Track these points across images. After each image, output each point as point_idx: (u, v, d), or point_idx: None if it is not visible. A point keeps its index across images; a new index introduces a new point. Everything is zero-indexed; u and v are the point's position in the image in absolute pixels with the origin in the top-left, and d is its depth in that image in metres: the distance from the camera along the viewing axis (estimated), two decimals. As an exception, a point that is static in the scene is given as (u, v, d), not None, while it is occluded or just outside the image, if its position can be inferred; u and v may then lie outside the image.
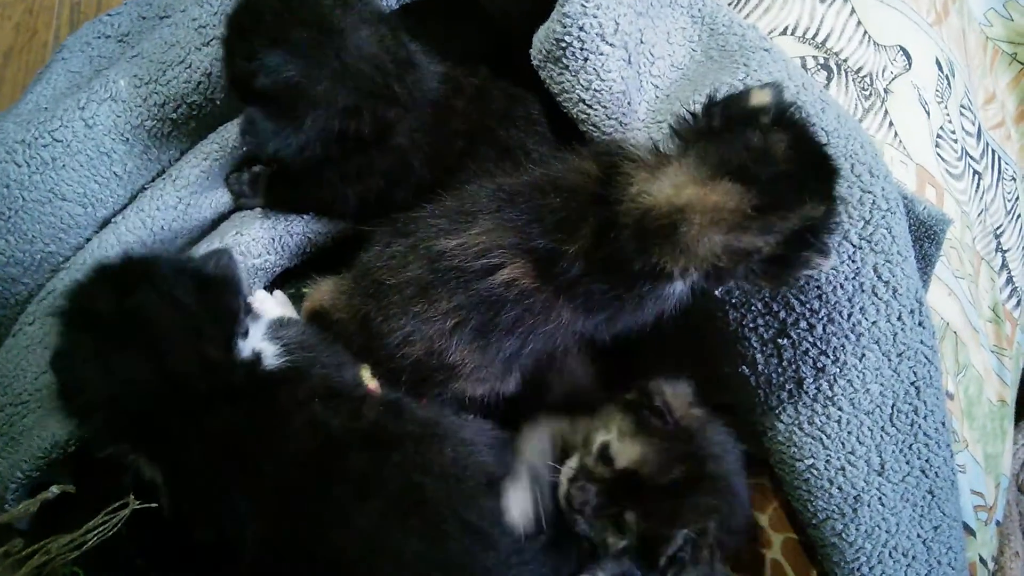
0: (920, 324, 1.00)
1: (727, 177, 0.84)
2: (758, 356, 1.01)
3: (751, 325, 1.01)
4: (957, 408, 1.23)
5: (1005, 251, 1.44)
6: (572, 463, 0.97)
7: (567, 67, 1.04)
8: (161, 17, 1.36)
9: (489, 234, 0.96)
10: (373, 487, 0.90)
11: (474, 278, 0.95)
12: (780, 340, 1.00)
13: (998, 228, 1.45)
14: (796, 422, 1.00)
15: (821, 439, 1.00)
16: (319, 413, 0.94)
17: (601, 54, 1.02)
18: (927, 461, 1.01)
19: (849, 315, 0.98)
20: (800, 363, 1.00)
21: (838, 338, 0.98)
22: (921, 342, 1.00)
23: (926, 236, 1.08)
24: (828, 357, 0.99)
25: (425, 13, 1.10)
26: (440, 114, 1.11)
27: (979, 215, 1.39)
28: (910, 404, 1.00)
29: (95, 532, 0.97)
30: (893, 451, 1.00)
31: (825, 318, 0.98)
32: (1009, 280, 1.45)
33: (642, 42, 1.08)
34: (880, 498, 1.00)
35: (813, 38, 1.26)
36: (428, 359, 0.99)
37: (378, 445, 0.93)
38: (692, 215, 0.85)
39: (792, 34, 1.26)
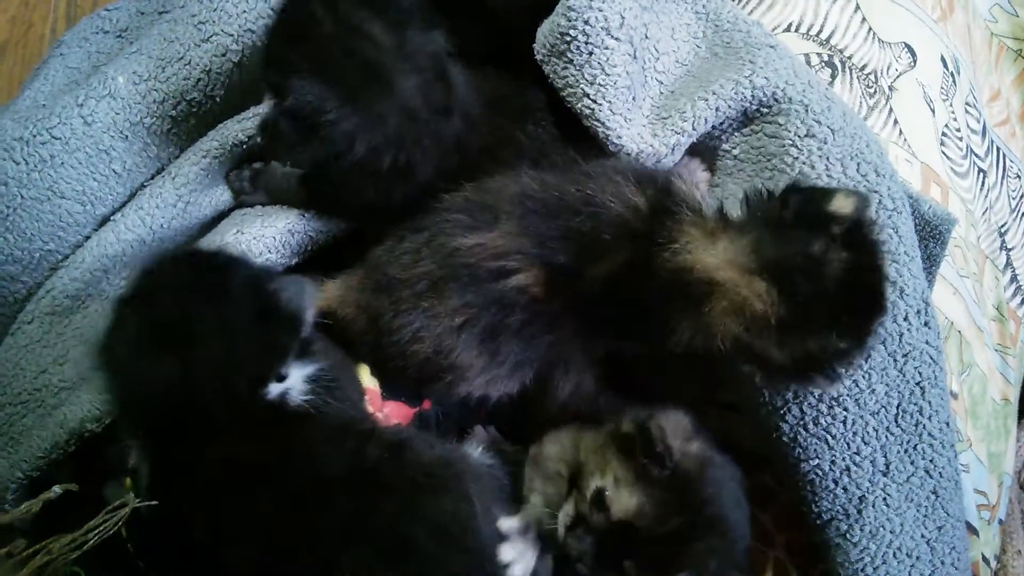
0: (926, 324, 1.00)
1: (767, 276, 0.83)
2: None
3: None
4: (961, 407, 1.23)
5: (1009, 249, 1.44)
6: (568, 509, 0.95)
7: (571, 61, 1.02)
8: (160, 12, 1.35)
9: (509, 238, 0.95)
10: (361, 532, 0.88)
11: (488, 278, 0.95)
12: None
13: (1002, 226, 1.44)
14: (801, 422, 0.99)
15: (826, 439, 0.99)
16: (324, 452, 0.92)
17: (606, 48, 1.01)
18: (931, 461, 1.01)
19: None
20: None
21: None
22: (927, 342, 1.00)
23: (931, 236, 1.08)
24: None
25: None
26: (463, 144, 1.09)
27: (983, 213, 1.38)
28: (915, 404, 1.00)
29: (96, 532, 0.96)
30: (898, 451, 1.00)
31: None
32: (1013, 278, 1.45)
33: (647, 37, 1.07)
34: (885, 499, 1.00)
35: (817, 35, 1.25)
36: (436, 358, 0.98)
37: (372, 489, 0.91)
38: (721, 297, 0.85)
39: (796, 31, 1.25)
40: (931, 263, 1.10)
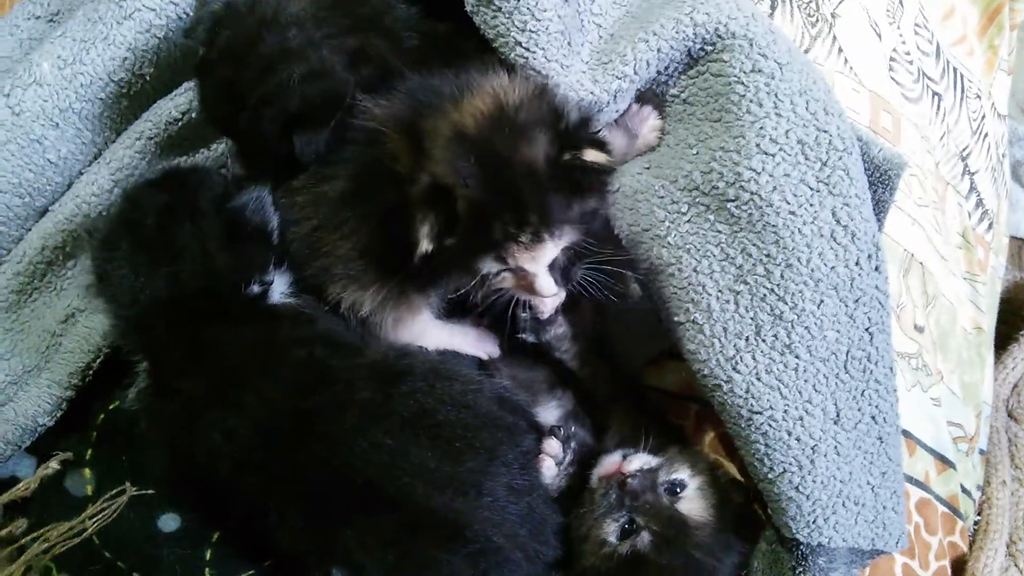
0: (876, 269, 0.96)
1: None
2: (713, 303, 0.98)
3: (707, 272, 0.98)
4: (928, 340, 1.20)
5: (973, 173, 1.40)
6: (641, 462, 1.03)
7: (500, 9, 0.98)
8: (90, -7, 1.31)
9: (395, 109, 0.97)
10: (382, 413, 0.93)
11: (365, 141, 0.97)
12: (737, 287, 0.97)
13: (964, 150, 1.40)
14: (754, 371, 0.97)
15: (779, 388, 0.96)
16: (319, 353, 0.97)
17: (534, -9, 0.97)
18: (877, 407, 0.99)
19: (808, 260, 0.94)
20: (757, 310, 0.96)
21: (796, 284, 0.95)
22: (876, 287, 0.96)
23: (880, 181, 1.03)
24: (786, 304, 0.95)
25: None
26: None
27: (941, 138, 1.34)
28: (863, 351, 0.97)
29: (95, 519, 0.99)
30: (847, 399, 0.97)
31: (783, 264, 0.95)
32: (979, 203, 1.41)
33: (580, -21, 1.04)
34: (836, 447, 0.97)
35: (756, -35, 1.21)
36: (308, 241, 1.00)
37: (384, 378, 0.96)
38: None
39: (735, -38, 1.21)
40: (879, 210, 1.05)
